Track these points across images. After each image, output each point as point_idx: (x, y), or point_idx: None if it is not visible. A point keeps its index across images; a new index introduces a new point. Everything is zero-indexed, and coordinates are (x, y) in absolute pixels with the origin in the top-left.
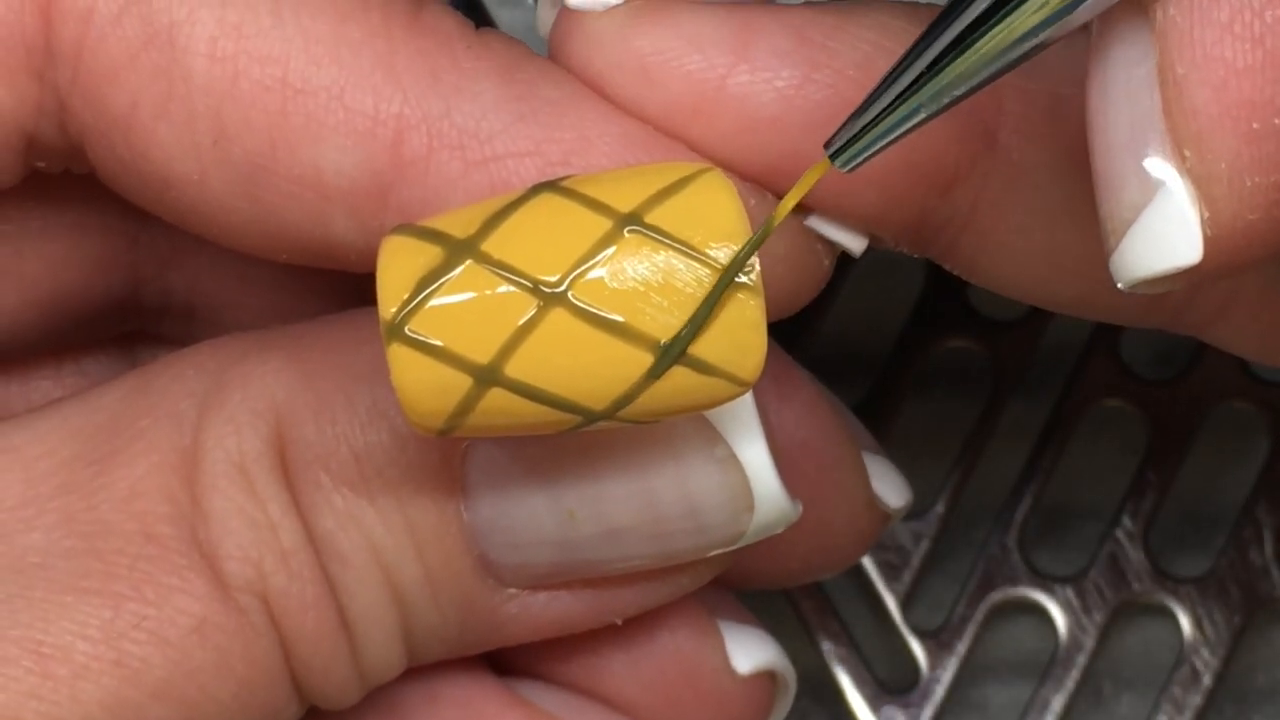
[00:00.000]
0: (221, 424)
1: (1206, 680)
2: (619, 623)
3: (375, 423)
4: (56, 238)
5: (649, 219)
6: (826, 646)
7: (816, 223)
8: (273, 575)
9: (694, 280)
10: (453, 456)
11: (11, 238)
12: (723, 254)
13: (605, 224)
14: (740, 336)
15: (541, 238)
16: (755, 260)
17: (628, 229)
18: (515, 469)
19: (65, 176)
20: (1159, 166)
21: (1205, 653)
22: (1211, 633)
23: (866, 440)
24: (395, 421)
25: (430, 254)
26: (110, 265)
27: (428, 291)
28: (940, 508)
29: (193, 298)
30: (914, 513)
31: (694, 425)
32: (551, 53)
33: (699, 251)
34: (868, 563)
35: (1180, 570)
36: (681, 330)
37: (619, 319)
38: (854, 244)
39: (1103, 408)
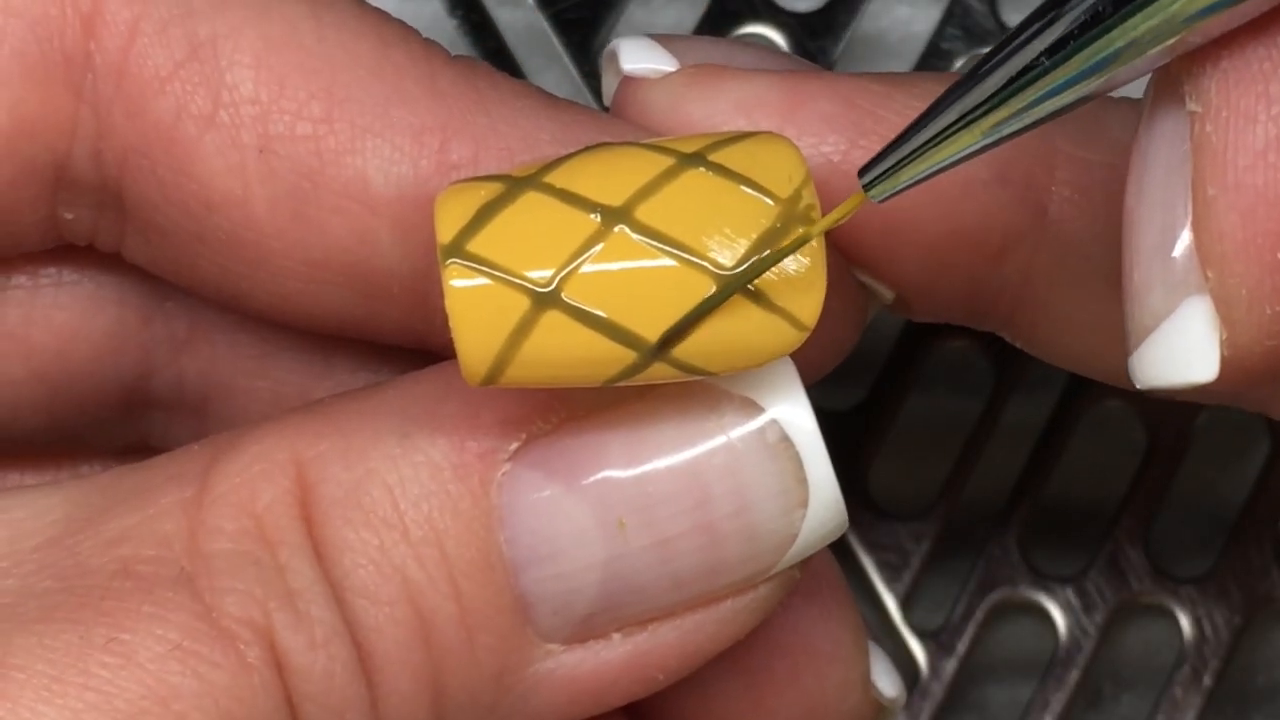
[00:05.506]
0: (233, 475)
1: (1206, 680)
2: (660, 678)
3: (408, 454)
4: (69, 306)
5: (712, 158)
6: None
7: (861, 271)
8: (277, 611)
9: (756, 213)
10: (489, 484)
11: (22, 303)
12: (786, 190)
13: (668, 160)
14: (800, 276)
15: (604, 171)
16: (817, 203)
17: (693, 165)
18: (555, 485)
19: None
20: (1184, 280)
21: (1205, 653)
22: (1211, 633)
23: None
24: (430, 452)
25: (491, 188)
26: (122, 342)
27: (488, 213)
28: (940, 508)
29: (207, 387)
30: (914, 513)
31: (744, 409)
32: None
33: (761, 186)
34: (868, 563)
35: (1180, 570)
36: (744, 258)
37: (681, 243)
38: (885, 291)
39: (1103, 408)
